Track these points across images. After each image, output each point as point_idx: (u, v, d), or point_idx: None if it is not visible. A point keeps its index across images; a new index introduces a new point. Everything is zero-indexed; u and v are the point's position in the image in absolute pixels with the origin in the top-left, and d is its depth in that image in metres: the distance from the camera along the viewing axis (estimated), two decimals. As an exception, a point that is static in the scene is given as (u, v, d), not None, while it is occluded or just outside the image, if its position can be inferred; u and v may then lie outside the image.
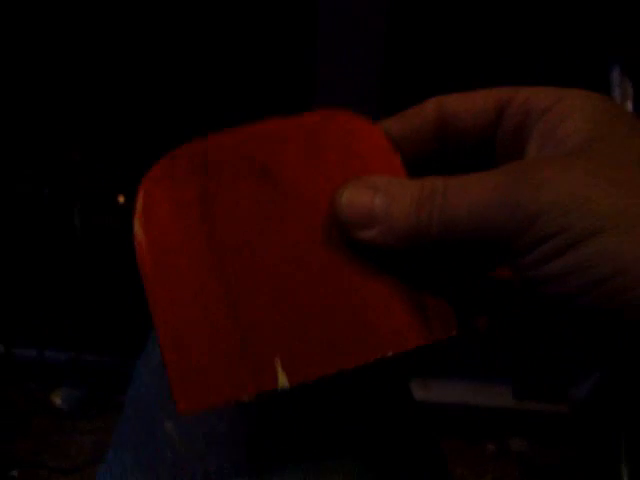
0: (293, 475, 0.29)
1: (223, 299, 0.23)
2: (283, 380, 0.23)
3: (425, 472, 0.32)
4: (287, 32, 0.78)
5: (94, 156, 0.94)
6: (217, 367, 0.23)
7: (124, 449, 0.33)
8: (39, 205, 1.06)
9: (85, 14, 0.80)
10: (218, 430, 0.30)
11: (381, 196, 0.24)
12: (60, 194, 1.05)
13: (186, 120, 0.93)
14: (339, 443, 0.30)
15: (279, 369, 0.23)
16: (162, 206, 0.25)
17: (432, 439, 0.34)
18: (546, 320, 0.25)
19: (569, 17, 0.69)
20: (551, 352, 1.00)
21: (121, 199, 1.07)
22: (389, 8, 0.66)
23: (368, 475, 0.30)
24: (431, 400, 1.07)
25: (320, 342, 0.24)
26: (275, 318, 0.24)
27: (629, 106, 0.62)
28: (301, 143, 0.26)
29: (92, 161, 0.94)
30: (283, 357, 0.23)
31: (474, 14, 0.72)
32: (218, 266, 0.24)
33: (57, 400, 1.14)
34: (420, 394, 1.04)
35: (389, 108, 0.28)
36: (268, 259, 0.24)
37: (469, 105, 0.26)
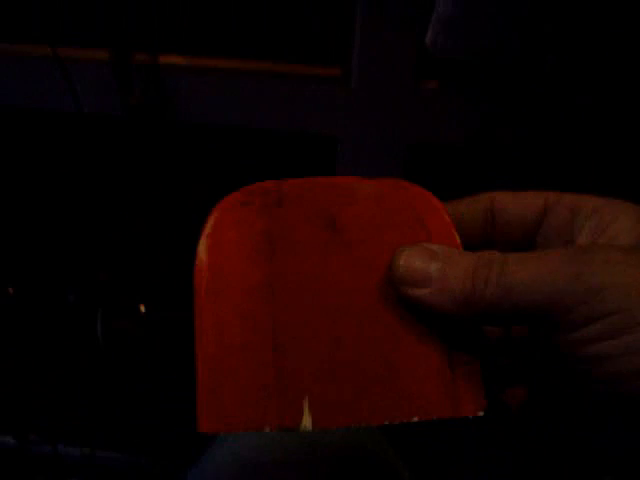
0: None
1: (269, 332, 0.24)
2: (307, 421, 0.23)
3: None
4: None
5: (120, 275, 0.98)
6: (246, 395, 0.23)
7: None
8: (63, 311, 1.10)
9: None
10: None
11: (438, 261, 0.25)
12: (84, 301, 1.08)
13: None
14: None
15: (306, 410, 0.23)
16: (229, 233, 0.25)
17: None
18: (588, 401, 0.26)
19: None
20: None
21: (142, 308, 1.10)
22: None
23: None
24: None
25: (351, 393, 0.24)
26: (314, 360, 0.24)
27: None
28: (371, 203, 0.27)
29: (117, 279, 0.98)
30: (312, 399, 0.23)
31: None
32: (271, 299, 0.24)
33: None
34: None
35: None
36: (320, 302, 0.25)
37: (519, 201, 0.29)
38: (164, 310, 1.09)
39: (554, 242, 0.28)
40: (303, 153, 0.84)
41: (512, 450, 1.03)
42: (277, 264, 0.25)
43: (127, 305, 1.10)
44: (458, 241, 0.28)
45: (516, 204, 0.28)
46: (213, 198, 0.27)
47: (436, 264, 0.25)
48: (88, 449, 1.16)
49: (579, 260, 0.23)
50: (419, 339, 0.25)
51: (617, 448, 0.25)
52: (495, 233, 0.29)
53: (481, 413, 0.25)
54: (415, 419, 0.24)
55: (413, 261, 0.25)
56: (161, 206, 0.94)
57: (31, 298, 1.09)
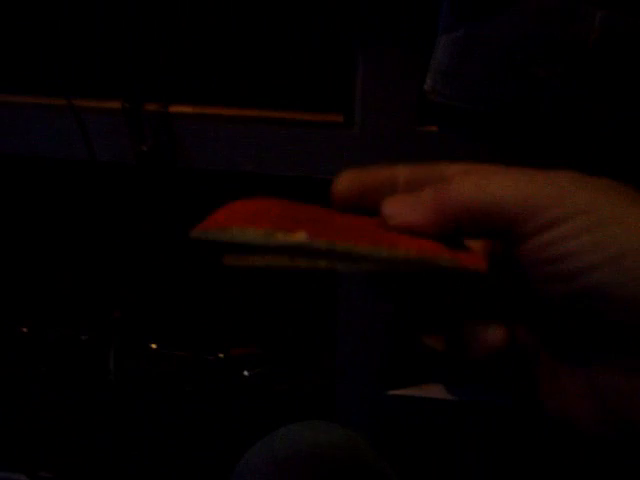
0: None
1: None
2: (303, 236, 0.26)
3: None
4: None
5: (132, 313, 1.00)
6: (253, 215, 0.27)
7: None
8: (75, 349, 1.12)
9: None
10: None
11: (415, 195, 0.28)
12: (96, 339, 1.11)
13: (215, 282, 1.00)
14: None
15: (303, 232, 0.26)
16: (240, 209, 0.29)
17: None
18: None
19: None
20: None
21: (153, 346, 1.13)
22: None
23: None
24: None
25: (349, 231, 0.27)
26: (315, 222, 0.28)
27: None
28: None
29: (130, 318, 1.00)
30: (309, 231, 0.26)
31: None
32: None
33: None
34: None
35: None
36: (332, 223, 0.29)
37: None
38: (175, 348, 1.11)
39: None
40: (308, 197, 0.87)
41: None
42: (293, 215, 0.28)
43: (139, 343, 1.12)
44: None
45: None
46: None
47: (413, 194, 0.28)
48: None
49: (544, 173, 0.26)
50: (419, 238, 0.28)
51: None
52: None
53: (484, 269, 0.27)
54: (412, 254, 0.26)
55: (395, 199, 0.29)
56: (172, 248, 0.97)
57: (44, 336, 1.11)
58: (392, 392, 1.06)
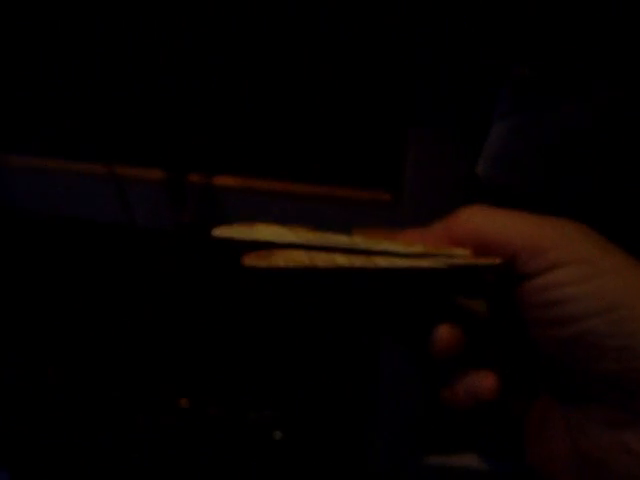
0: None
1: None
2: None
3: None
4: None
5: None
6: None
7: None
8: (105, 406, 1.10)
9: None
10: None
11: None
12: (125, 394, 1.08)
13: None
14: None
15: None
16: None
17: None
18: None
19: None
20: None
21: (184, 403, 1.10)
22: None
23: None
24: None
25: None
26: None
27: None
28: None
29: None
30: None
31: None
32: None
33: None
34: None
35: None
36: None
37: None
38: (207, 406, 1.08)
39: None
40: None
41: None
42: None
43: (169, 399, 1.09)
44: None
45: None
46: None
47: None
48: None
49: (551, 218, 0.28)
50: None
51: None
52: None
53: (497, 262, 0.28)
54: (429, 248, 0.29)
55: (407, 231, 0.31)
56: (204, 316, 0.94)
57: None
58: (428, 460, 1.02)
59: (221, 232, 0.29)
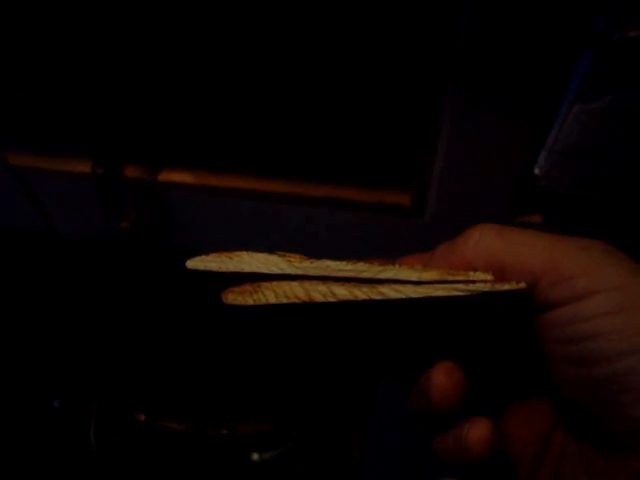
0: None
1: None
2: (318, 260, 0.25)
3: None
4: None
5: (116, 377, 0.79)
6: None
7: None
8: (49, 417, 0.92)
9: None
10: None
11: None
12: (73, 408, 0.90)
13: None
14: None
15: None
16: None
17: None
18: None
19: None
20: None
21: (142, 417, 0.92)
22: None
23: None
24: None
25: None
26: None
27: None
28: None
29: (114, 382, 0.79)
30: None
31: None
32: None
33: None
34: None
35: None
36: None
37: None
38: (163, 420, 0.91)
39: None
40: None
41: None
42: None
43: (123, 414, 0.91)
44: None
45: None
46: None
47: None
48: None
49: (575, 238, 0.24)
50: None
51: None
52: None
53: (524, 287, 0.23)
54: (448, 275, 0.24)
55: (410, 256, 0.27)
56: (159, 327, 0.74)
57: (14, 402, 0.91)
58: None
59: (196, 263, 0.24)
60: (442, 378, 0.25)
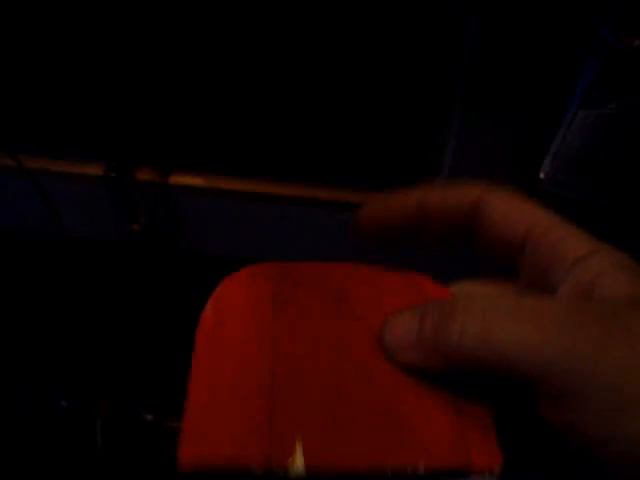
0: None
1: (265, 380, 0.23)
2: (299, 462, 0.21)
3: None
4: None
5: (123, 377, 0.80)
6: (234, 433, 0.22)
7: None
8: (56, 417, 0.93)
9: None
10: None
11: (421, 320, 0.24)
12: (82, 409, 0.91)
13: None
14: None
15: (298, 450, 0.22)
16: (236, 293, 0.26)
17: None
18: None
19: None
20: None
21: (149, 417, 0.93)
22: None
23: None
24: None
25: (350, 436, 0.22)
26: (311, 407, 0.23)
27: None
28: (377, 284, 0.28)
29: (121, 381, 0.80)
30: (306, 441, 0.22)
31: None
32: (270, 351, 0.24)
33: None
34: None
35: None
36: (321, 357, 0.24)
37: (504, 218, 0.26)
38: (170, 420, 0.91)
39: (535, 281, 0.25)
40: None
41: None
42: (280, 321, 0.25)
43: (131, 413, 0.92)
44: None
45: (501, 222, 0.25)
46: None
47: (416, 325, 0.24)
48: None
49: (575, 310, 0.20)
50: (424, 393, 0.24)
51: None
52: (429, 231, 0.27)
53: (497, 469, 0.22)
54: (421, 465, 0.22)
55: (396, 327, 0.25)
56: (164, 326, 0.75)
57: (22, 402, 0.91)
58: None
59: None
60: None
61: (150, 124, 0.56)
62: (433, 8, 0.47)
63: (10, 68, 0.56)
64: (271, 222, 0.60)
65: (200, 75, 0.54)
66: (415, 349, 0.23)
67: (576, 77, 0.46)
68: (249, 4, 0.49)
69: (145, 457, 0.92)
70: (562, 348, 0.19)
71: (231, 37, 0.51)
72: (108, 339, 0.81)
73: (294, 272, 0.28)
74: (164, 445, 0.92)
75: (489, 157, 0.53)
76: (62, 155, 0.59)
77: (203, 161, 0.58)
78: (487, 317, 0.21)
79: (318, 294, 0.27)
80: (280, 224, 0.60)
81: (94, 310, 0.74)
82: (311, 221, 0.58)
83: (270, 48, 0.51)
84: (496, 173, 0.54)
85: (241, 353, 0.24)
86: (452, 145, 0.51)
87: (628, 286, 0.22)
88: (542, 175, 0.53)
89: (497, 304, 0.22)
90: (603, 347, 0.19)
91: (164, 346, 0.84)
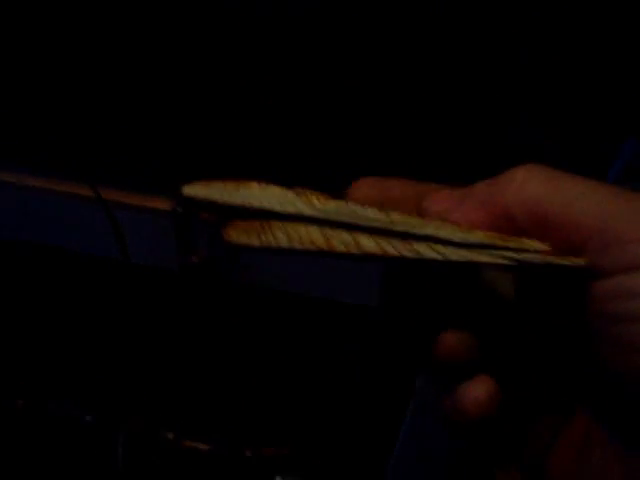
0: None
1: None
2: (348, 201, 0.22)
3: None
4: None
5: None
6: None
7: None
8: (78, 431, 0.96)
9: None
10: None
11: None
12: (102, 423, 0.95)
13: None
14: None
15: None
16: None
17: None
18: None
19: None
20: None
21: (170, 435, 0.96)
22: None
23: None
24: None
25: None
26: None
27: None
28: None
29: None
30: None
31: None
32: None
33: None
34: None
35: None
36: None
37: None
38: (192, 439, 0.95)
39: None
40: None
41: None
42: None
43: (152, 431, 0.95)
44: None
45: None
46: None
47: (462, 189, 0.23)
48: None
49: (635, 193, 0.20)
50: None
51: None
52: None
53: (582, 264, 0.20)
54: (510, 242, 0.21)
55: (441, 194, 0.23)
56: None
57: (43, 413, 0.95)
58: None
59: (194, 191, 0.21)
60: (481, 393, 0.23)
61: (217, 161, 0.62)
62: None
63: (95, 107, 0.62)
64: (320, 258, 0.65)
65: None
66: (461, 206, 0.22)
67: (614, 156, 0.52)
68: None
69: (164, 475, 0.96)
70: (616, 209, 0.20)
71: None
72: (142, 361, 0.85)
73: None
74: (183, 464, 0.96)
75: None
76: (134, 189, 0.65)
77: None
78: (553, 172, 0.21)
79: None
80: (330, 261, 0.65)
81: (138, 333, 0.79)
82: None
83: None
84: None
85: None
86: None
87: None
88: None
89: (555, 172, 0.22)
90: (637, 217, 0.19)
91: (196, 372, 0.88)
